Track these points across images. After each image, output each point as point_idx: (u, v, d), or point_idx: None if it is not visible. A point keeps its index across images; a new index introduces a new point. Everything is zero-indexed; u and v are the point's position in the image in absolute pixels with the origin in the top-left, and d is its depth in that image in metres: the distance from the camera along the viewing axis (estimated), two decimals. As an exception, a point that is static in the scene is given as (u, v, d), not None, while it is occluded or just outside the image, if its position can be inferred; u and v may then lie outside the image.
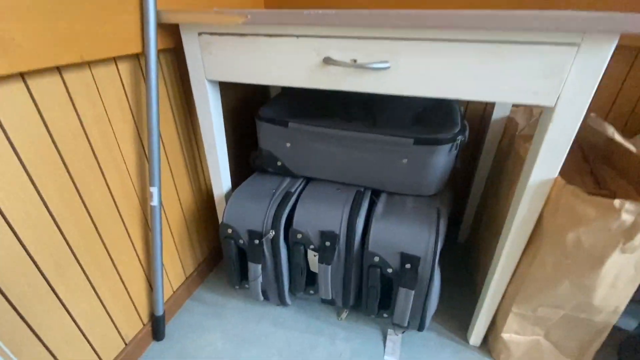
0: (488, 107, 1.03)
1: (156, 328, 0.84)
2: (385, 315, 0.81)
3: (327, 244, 0.75)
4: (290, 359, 0.80)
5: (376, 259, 0.73)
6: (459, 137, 0.71)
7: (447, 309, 0.92)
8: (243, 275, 0.88)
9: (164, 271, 0.86)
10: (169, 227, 0.86)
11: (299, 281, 0.83)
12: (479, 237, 0.99)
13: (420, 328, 0.82)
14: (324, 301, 0.87)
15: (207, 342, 0.85)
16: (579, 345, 0.73)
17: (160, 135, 0.76)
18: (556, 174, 0.57)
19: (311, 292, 0.86)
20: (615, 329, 0.86)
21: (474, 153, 1.14)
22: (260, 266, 0.79)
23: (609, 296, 0.62)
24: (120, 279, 0.73)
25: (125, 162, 0.69)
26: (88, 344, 0.68)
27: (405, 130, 0.73)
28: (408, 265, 0.70)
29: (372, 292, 0.77)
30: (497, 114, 0.91)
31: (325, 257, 0.76)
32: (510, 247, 0.66)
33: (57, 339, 0.62)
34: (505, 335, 0.76)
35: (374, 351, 0.82)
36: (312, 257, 0.78)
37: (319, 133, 0.77)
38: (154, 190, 0.71)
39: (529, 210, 0.61)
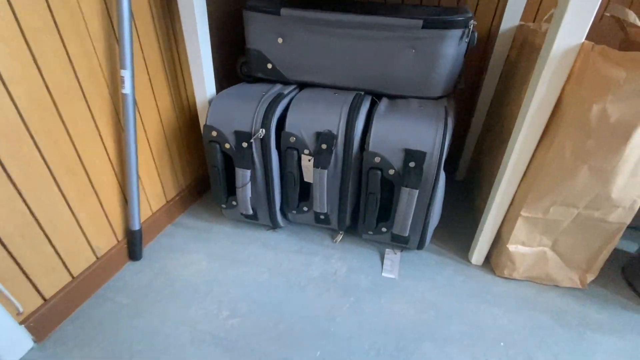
0: (496, 19, 0.97)
1: (132, 246, 0.76)
2: (384, 229, 0.75)
3: (324, 146, 0.68)
4: (282, 275, 0.74)
5: (377, 159, 0.66)
6: (471, 22, 0.64)
7: (448, 233, 0.87)
8: (231, 192, 0.80)
9: (140, 184, 0.78)
10: (146, 136, 0.77)
11: (291, 195, 0.76)
12: (480, 169, 0.94)
13: (421, 245, 0.77)
14: (318, 221, 0.81)
15: (190, 262, 0.77)
16: (587, 257, 0.70)
17: (132, 14, 0.66)
18: (583, 37, 0.51)
19: (305, 208, 0.79)
20: (618, 252, 0.83)
21: (475, 82, 1.08)
22: (249, 172, 0.72)
23: (628, 187, 0.58)
24: (87, 176, 0.64)
25: (90, 38, 0.59)
26: (49, 244, 0.60)
27: (413, 15, 0.66)
28: (412, 164, 0.64)
29: (371, 201, 0.70)
30: (506, 24, 0.85)
31: (321, 160, 0.69)
32: (526, 136, 0.61)
33: (9, 229, 0.53)
34: (511, 247, 0.72)
35: (371, 269, 0.77)
36: (307, 163, 0.71)
37: (316, 20, 0.68)
38: (125, 74, 0.62)
39: (549, 88, 0.55)
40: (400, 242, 0.77)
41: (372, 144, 0.66)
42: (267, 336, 0.62)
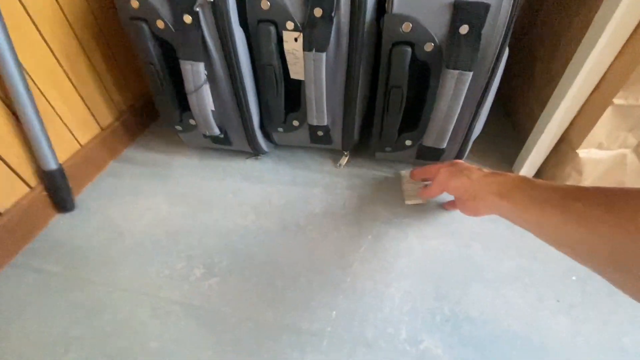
0: None
1: (54, 192, 0.53)
2: (408, 142, 0.54)
3: (318, 12, 0.42)
4: (273, 215, 0.55)
5: (407, 27, 0.41)
6: None
7: (480, 139, 0.67)
8: (185, 105, 0.55)
9: (47, 102, 0.51)
10: (36, 27, 0.48)
11: (274, 103, 0.52)
12: (530, 49, 0.69)
13: (458, 158, 0.57)
14: (315, 140, 0.59)
15: (144, 208, 0.56)
16: (679, 156, 0.52)
17: None
18: None
19: (294, 123, 0.56)
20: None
21: None
22: (202, 66, 0.46)
23: None
24: None
25: None
26: None
27: None
28: (465, 28, 0.40)
29: (394, 100, 0.47)
30: None
31: (315, 37, 0.43)
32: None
33: None
34: (582, 152, 0.52)
35: (390, 197, 0.58)
36: (293, 45, 0.45)
37: None
38: None
39: None
40: (428, 159, 0.57)
41: (399, 1, 0.40)
42: (261, 298, 0.45)
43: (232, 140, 0.59)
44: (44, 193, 0.53)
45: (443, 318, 0.43)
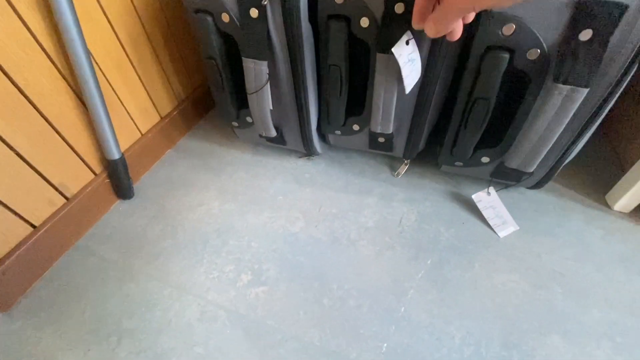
0: None
1: (115, 180, 0.55)
2: (484, 159, 0.47)
3: (400, 9, 0.36)
4: (323, 224, 0.52)
5: (508, 29, 0.34)
6: None
7: (570, 162, 0.58)
8: (243, 102, 0.53)
9: (112, 91, 0.52)
10: (106, 17, 0.49)
11: (336, 105, 0.48)
12: None
13: (541, 183, 0.49)
14: (374, 145, 0.54)
15: (197, 201, 0.57)
16: None
17: None
18: None
19: (355, 127, 0.51)
20: None
21: None
22: (265, 65, 0.43)
23: None
24: (12, 82, 0.40)
25: None
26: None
27: None
28: (587, 34, 0.32)
29: (477, 113, 0.41)
30: None
31: (386, 38, 0.38)
32: None
33: None
34: None
35: (453, 217, 0.52)
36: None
37: None
38: None
39: None
40: (507, 180, 0.50)
41: (501, -3, 0.33)
42: (307, 316, 0.43)
43: (286, 140, 0.56)
44: (107, 180, 0.55)
45: (511, 371, 0.37)
